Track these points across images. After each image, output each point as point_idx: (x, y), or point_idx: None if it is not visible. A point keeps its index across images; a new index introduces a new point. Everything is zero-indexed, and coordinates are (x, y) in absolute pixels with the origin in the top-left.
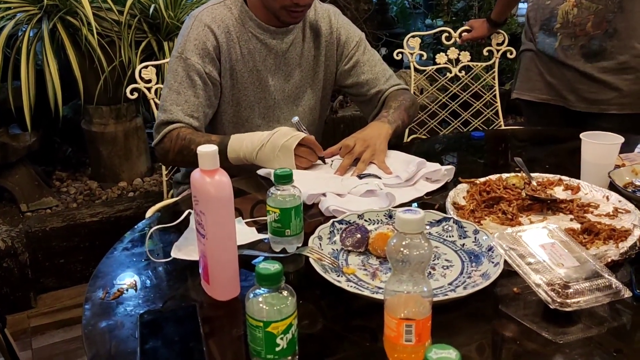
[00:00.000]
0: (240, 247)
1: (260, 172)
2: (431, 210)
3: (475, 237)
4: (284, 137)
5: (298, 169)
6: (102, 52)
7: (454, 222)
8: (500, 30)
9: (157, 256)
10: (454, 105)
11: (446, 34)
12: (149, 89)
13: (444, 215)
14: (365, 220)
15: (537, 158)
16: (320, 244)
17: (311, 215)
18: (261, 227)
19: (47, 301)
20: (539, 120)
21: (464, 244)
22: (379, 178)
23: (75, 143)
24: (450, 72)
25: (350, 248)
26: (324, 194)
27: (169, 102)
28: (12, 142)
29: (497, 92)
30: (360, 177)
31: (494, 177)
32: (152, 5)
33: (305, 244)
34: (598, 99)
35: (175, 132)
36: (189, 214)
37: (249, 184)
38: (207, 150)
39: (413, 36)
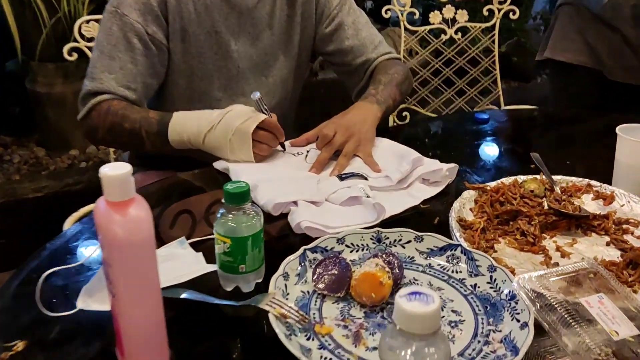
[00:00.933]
0: (174, 287)
1: (217, 165)
2: (432, 235)
3: (491, 277)
4: (239, 119)
5: (256, 159)
6: (43, 2)
7: (462, 252)
8: None
9: (56, 306)
10: (448, 72)
11: None
12: (91, 48)
13: (449, 241)
14: (347, 246)
15: (556, 149)
16: (285, 286)
17: (277, 226)
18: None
19: None
20: (569, 86)
21: (476, 285)
22: (365, 179)
23: (24, 102)
24: (445, 34)
25: (325, 292)
26: (294, 202)
27: (100, 68)
28: None
29: (496, 58)
30: (341, 177)
31: (507, 180)
32: None
33: (267, 278)
34: None
35: (105, 105)
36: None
37: (205, 177)
38: (114, 174)
39: None
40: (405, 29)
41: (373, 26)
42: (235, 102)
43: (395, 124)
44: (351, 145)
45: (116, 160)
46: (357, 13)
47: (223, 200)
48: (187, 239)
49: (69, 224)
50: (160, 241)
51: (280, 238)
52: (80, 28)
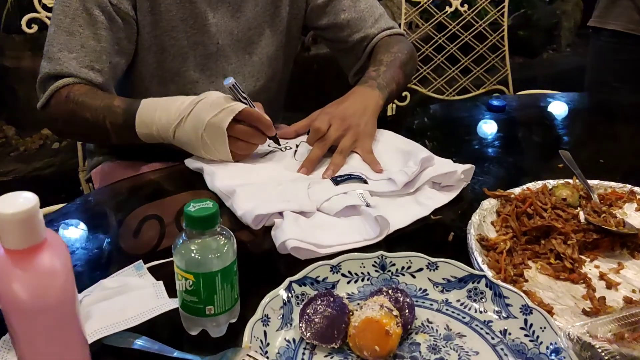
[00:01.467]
0: (125, 332)
1: (189, 164)
2: (449, 261)
3: (525, 320)
4: (211, 110)
5: (235, 158)
6: None
7: (487, 285)
8: None
9: None
10: (452, 48)
11: None
12: None
13: (470, 270)
14: (344, 275)
15: (588, 143)
16: (265, 333)
17: (257, 243)
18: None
19: None
20: (615, 57)
21: (506, 331)
22: (364, 182)
23: None
24: (450, 6)
25: (315, 341)
26: (280, 214)
27: (58, 46)
28: None
29: (505, 33)
30: (336, 180)
31: (534, 185)
32: None
33: (244, 316)
34: None
35: (64, 92)
36: None
37: (176, 177)
38: (12, 213)
39: None
40: (407, 0)
41: None
42: (214, 85)
43: (394, 105)
44: (348, 140)
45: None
46: None
47: (184, 225)
48: (155, 248)
49: None
50: (121, 253)
51: (261, 258)
52: None
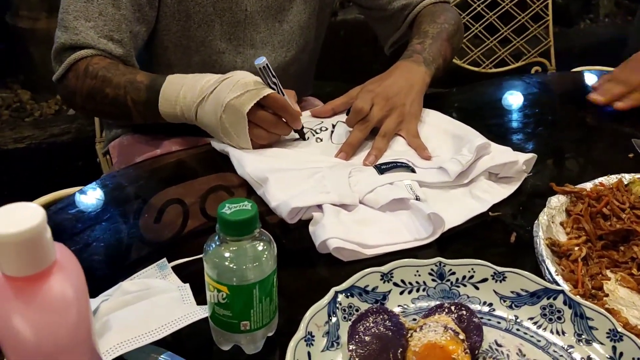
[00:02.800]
0: (146, 347)
1: (215, 145)
2: (518, 272)
3: (614, 348)
4: (233, 91)
5: (254, 146)
6: None
7: (565, 303)
8: None
9: None
10: (491, 16)
11: None
12: None
13: (545, 284)
14: (396, 284)
15: None
16: (309, 355)
17: (294, 239)
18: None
19: None
20: None
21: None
22: (412, 171)
23: (6, 37)
24: None
25: None
26: (318, 206)
27: (73, 14)
28: None
29: (549, 2)
30: (380, 168)
31: (607, 180)
32: None
33: (278, 331)
34: None
35: (82, 65)
36: None
37: (200, 158)
38: (14, 232)
39: None
40: None
41: None
42: (242, 56)
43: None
44: (392, 122)
45: None
46: None
47: (217, 228)
48: (179, 235)
49: None
50: (143, 245)
51: (297, 258)
52: None
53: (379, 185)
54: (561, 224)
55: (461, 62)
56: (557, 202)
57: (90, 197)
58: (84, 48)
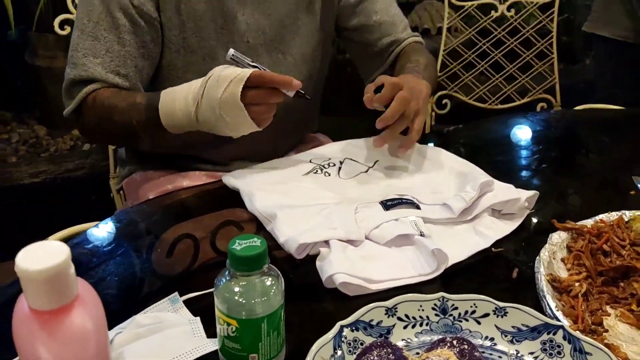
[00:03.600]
0: None
1: (226, 181)
2: (519, 307)
3: None
4: (219, 86)
5: (261, 125)
6: None
7: (565, 338)
8: None
9: None
10: (496, 54)
11: None
12: None
13: (545, 319)
14: (400, 319)
15: None
16: None
17: (301, 275)
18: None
19: None
20: (613, 65)
21: None
22: (417, 207)
23: (24, 75)
24: (496, 11)
25: None
26: (325, 242)
27: (82, 51)
28: None
29: (554, 40)
30: (386, 204)
31: (608, 217)
32: None
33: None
34: None
35: (91, 98)
36: None
37: (211, 195)
38: (39, 269)
39: None
40: (450, 3)
41: None
42: None
43: (433, 113)
44: (411, 111)
45: (116, 149)
46: None
47: (228, 263)
48: (189, 270)
49: None
50: (155, 279)
51: (304, 292)
52: None
53: (384, 221)
54: (562, 260)
55: (468, 98)
56: (558, 238)
57: (105, 232)
58: (93, 82)
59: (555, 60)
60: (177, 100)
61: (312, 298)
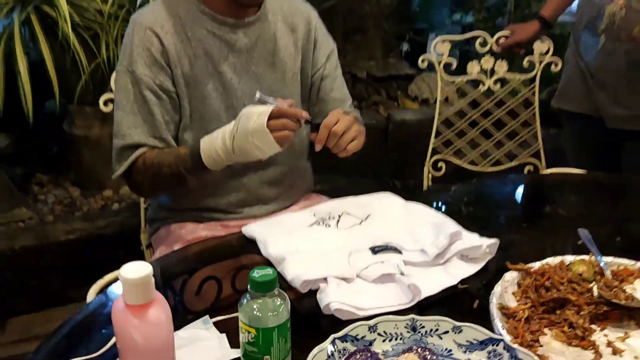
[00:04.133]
0: None
1: (245, 231)
2: (471, 326)
3: None
4: (250, 120)
5: (284, 146)
6: (83, 47)
7: (505, 348)
8: (546, 37)
9: None
10: (486, 123)
11: (480, 39)
12: None
13: (490, 334)
14: (379, 334)
15: (604, 222)
16: None
17: (305, 304)
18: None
19: (16, 326)
20: (576, 135)
21: None
22: (399, 253)
23: (61, 142)
24: (483, 85)
25: None
26: (324, 279)
27: (126, 125)
28: None
29: (536, 110)
30: (374, 250)
31: (553, 261)
32: None
33: None
34: (639, 115)
35: (140, 161)
36: None
37: (232, 244)
38: (134, 278)
39: (442, 40)
40: (442, 78)
41: None
42: None
43: (430, 175)
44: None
45: (146, 208)
46: (340, 69)
47: (248, 287)
48: (213, 305)
49: (93, 294)
50: (185, 309)
51: (308, 317)
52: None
53: (372, 263)
54: (513, 293)
55: (461, 161)
56: (510, 276)
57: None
58: (138, 147)
59: (539, 128)
60: (215, 142)
61: (313, 321)
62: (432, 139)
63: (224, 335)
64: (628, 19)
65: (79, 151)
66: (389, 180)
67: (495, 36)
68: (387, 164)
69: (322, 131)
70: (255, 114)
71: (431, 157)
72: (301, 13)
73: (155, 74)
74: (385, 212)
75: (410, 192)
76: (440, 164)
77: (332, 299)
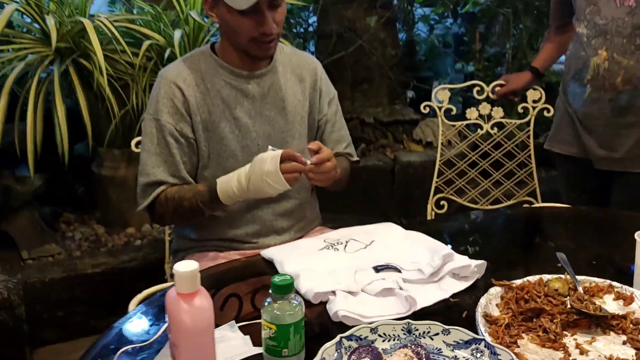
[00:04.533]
0: None
1: (264, 254)
2: (458, 328)
3: None
4: (264, 163)
5: (292, 185)
6: (114, 95)
7: (486, 346)
8: (537, 87)
9: None
10: (484, 164)
11: (477, 88)
12: None
13: (474, 335)
14: (380, 335)
15: (583, 249)
16: None
17: (317, 313)
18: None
19: (44, 355)
20: (568, 176)
21: None
22: (399, 271)
23: (88, 183)
24: (482, 129)
25: None
26: (333, 292)
27: (150, 165)
28: (17, 185)
29: (532, 152)
30: (377, 269)
31: (533, 279)
32: (168, 49)
33: None
34: (623, 157)
35: (162, 196)
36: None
37: (251, 265)
38: (184, 270)
39: (442, 89)
40: (443, 123)
41: None
42: None
43: (433, 212)
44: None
45: (171, 241)
46: (341, 113)
47: (270, 291)
48: (235, 319)
49: (134, 305)
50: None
51: (319, 324)
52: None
53: (375, 280)
54: (496, 305)
55: (462, 200)
56: (495, 291)
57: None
58: (160, 184)
59: (534, 169)
60: (231, 181)
61: (323, 326)
62: (435, 179)
63: (247, 336)
64: (611, 70)
65: (106, 191)
66: (395, 218)
67: (491, 85)
68: (394, 202)
69: (322, 155)
70: (269, 158)
71: (434, 195)
72: (308, 65)
73: (177, 121)
74: (387, 239)
75: (415, 228)
76: (443, 202)
77: (340, 307)
